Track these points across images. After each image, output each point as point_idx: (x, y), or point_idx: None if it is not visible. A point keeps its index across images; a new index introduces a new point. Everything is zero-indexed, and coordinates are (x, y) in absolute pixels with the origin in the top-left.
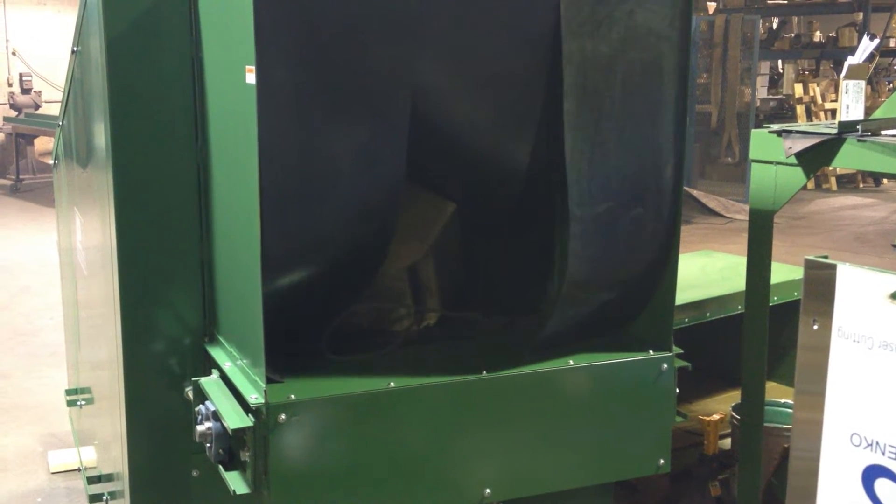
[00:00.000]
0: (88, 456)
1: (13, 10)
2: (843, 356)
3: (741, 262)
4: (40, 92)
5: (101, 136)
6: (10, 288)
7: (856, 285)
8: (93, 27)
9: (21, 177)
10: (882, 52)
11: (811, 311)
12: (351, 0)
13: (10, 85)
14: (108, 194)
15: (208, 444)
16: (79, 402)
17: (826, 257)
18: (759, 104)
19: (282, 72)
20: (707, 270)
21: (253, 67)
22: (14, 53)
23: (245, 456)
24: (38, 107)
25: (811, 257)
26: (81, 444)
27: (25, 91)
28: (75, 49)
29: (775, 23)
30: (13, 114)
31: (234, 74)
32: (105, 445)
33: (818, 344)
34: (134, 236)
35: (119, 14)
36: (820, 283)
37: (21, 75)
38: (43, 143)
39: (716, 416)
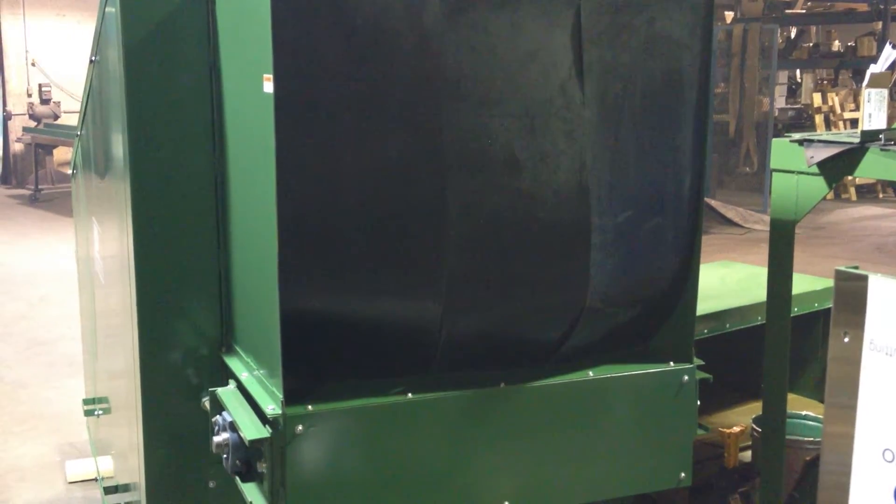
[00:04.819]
0: (106, 466)
1: (33, 22)
2: (875, 370)
3: (761, 272)
4: (59, 102)
5: (118, 145)
6: (28, 298)
7: (888, 297)
8: (110, 36)
9: (40, 187)
10: None
11: (842, 323)
12: (375, 7)
13: (29, 95)
14: (126, 204)
15: (225, 456)
16: (96, 412)
17: (857, 268)
18: (777, 114)
19: (301, 81)
20: (726, 281)
21: (271, 76)
22: (34, 64)
23: (262, 467)
24: (57, 117)
25: (842, 268)
26: (99, 454)
27: (45, 101)
28: (93, 59)
29: (793, 32)
30: (32, 124)
31: (251, 83)
32: (122, 455)
33: (849, 357)
34: (151, 246)
35: (137, 23)
36: (851, 294)
37: (40, 86)
38: (62, 154)
39: (736, 429)
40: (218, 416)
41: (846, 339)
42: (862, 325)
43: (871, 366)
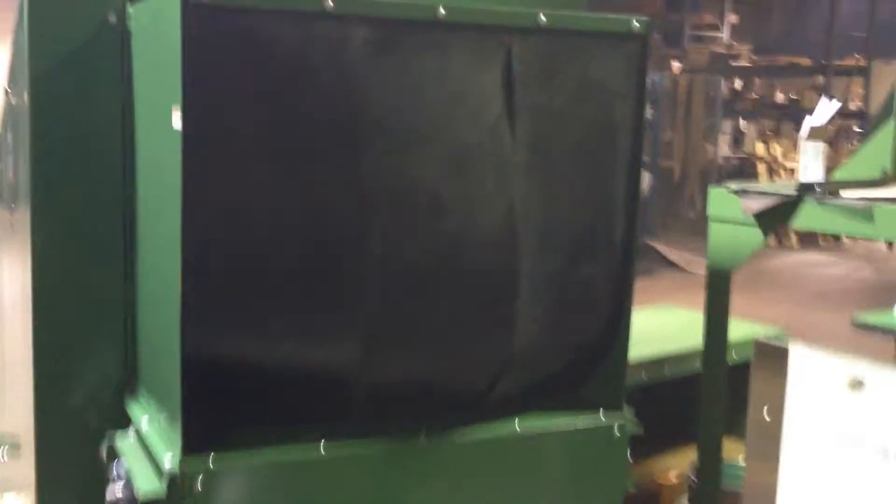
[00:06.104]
0: None
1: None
2: (797, 448)
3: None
4: None
5: (24, 177)
6: None
7: (812, 371)
8: (21, 66)
9: None
10: (843, 114)
11: (762, 397)
12: (293, 43)
13: None
14: (27, 237)
15: None
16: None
17: (780, 336)
18: (722, 161)
19: (213, 116)
20: (668, 326)
21: (179, 109)
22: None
23: None
24: None
25: (761, 338)
26: (4, 492)
27: None
28: (7, 89)
29: (738, 84)
30: None
31: (162, 119)
32: (25, 498)
33: (769, 433)
34: (52, 282)
35: (45, 55)
36: (771, 365)
37: None
38: None
39: (673, 478)
40: (114, 464)
41: (766, 416)
42: (783, 398)
43: (792, 444)
